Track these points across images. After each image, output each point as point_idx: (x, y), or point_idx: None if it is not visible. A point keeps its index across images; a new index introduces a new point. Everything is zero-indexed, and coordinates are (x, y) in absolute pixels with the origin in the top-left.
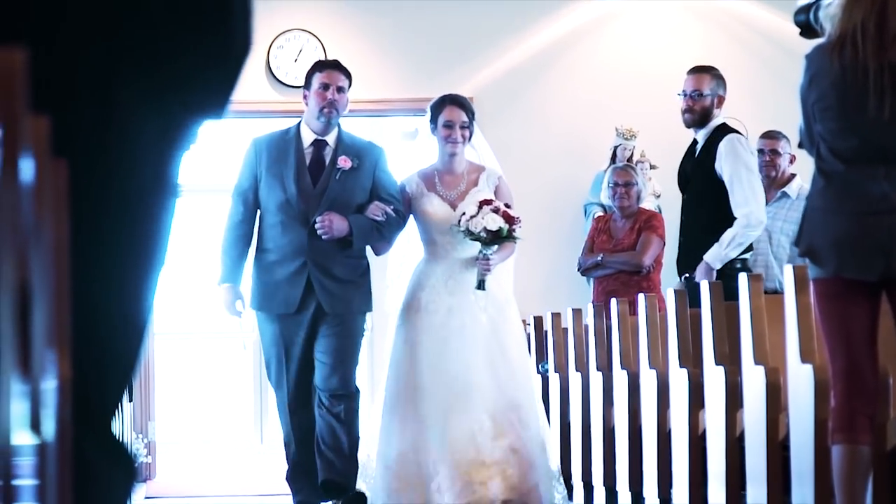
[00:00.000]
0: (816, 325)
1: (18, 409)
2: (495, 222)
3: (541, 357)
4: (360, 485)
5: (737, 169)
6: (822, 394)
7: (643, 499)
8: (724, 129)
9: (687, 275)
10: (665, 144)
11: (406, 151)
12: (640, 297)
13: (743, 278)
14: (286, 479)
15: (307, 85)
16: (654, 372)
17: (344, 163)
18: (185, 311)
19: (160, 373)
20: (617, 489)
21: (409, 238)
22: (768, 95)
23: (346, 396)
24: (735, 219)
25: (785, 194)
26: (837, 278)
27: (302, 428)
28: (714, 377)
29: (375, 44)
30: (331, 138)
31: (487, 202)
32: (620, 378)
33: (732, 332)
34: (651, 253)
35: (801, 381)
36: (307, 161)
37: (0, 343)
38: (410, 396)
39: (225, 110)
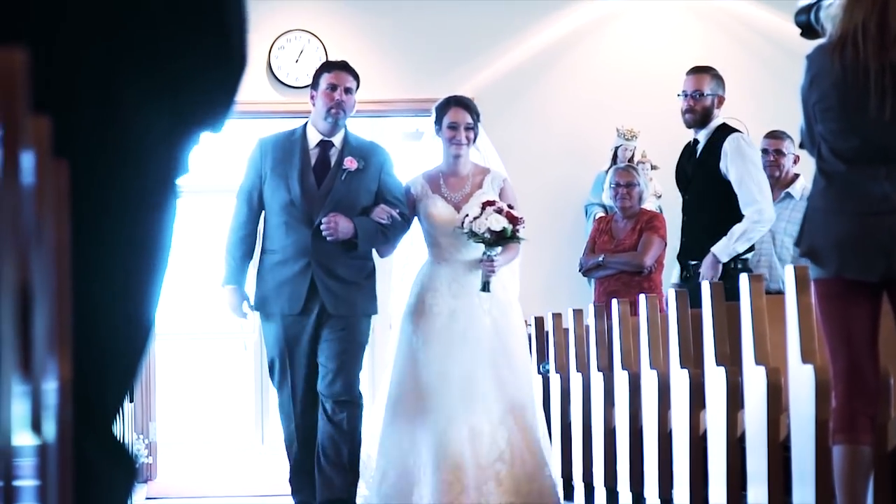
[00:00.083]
0: (817, 325)
1: (19, 409)
2: (499, 223)
3: (542, 357)
4: (361, 485)
5: (745, 167)
6: (823, 394)
7: (644, 499)
8: (725, 129)
9: (693, 262)
10: (666, 145)
11: (407, 152)
12: (642, 297)
13: (744, 278)
14: (289, 480)
15: (314, 85)
16: (655, 372)
17: (350, 164)
18: (186, 311)
19: (161, 373)
20: (618, 489)
21: (413, 240)
22: (768, 95)
23: (349, 403)
24: (739, 218)
25: (789, 195)
26: (838, 279)
27: (307, 428)
28: (715, 377)
29: (376, 44)
30: (337, 139)
31: (490, 203)
32: (621, 378)
33: (733, 333)
34: (652, 253)
35: (802, 381)
36: (312, 162)
37: (1, 344)
38: (413, 399)
39: (228, 112)
